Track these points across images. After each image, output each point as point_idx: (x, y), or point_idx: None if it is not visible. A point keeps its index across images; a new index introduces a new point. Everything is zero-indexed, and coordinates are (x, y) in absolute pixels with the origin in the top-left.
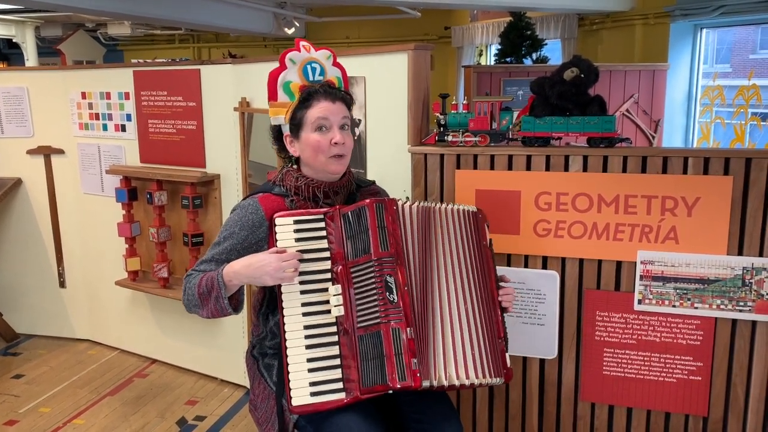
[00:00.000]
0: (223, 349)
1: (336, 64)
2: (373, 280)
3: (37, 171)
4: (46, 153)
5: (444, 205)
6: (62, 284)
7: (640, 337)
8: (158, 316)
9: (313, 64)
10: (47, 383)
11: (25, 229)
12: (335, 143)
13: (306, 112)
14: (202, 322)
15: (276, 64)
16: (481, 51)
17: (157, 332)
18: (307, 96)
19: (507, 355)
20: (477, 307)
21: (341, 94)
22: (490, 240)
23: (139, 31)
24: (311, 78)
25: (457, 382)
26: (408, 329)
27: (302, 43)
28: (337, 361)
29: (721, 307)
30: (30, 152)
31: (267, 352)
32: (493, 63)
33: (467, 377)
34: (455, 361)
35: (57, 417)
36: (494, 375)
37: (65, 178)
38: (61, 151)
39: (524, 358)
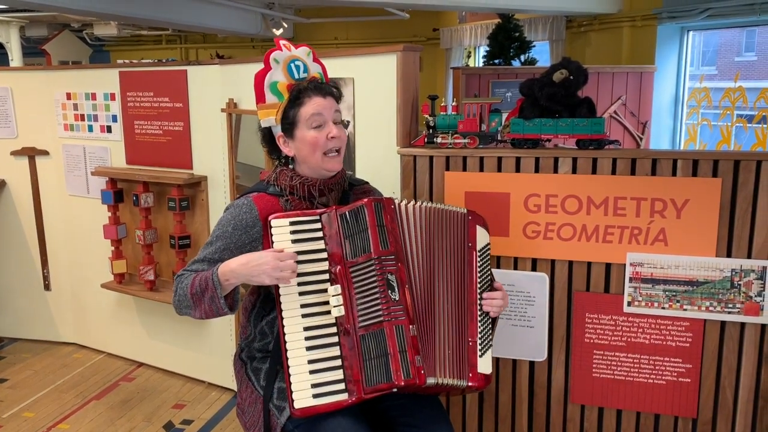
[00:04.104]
0: (210, 352)
1: (316, 60)
2: (374, 278)
3: (21, 172)
4: (31, 154)
5: (440, 206)
6: (47, 287)
7: (629, 339)
8: (145, 318)
9: (297, 62)
10: (31, 387)
11: (9, 231)
12: (332, 137)
13: (299, 110)
14: (190, 324)
15: (262, 65)
16: (470, 53)
17: (143, 335)
18: (298, 94)
19: (480, 359)
20: (452, 307)
21: (330, 89)
22: (487, 244)
23: (126, 31)
24: (296, 76)
25: (435, 381)
26: (411, 326)
27: (282, 42)
28: (338, 362)
29: (710, 308)
30: (14, 153)
31: (255, 355)
32: (481, 65)
33: (439, 375)
34: (435, 358)
35: (41, 422)
36: (456, 376)
37: (50, 180)
38: (45, 153)
39: (514, 361)
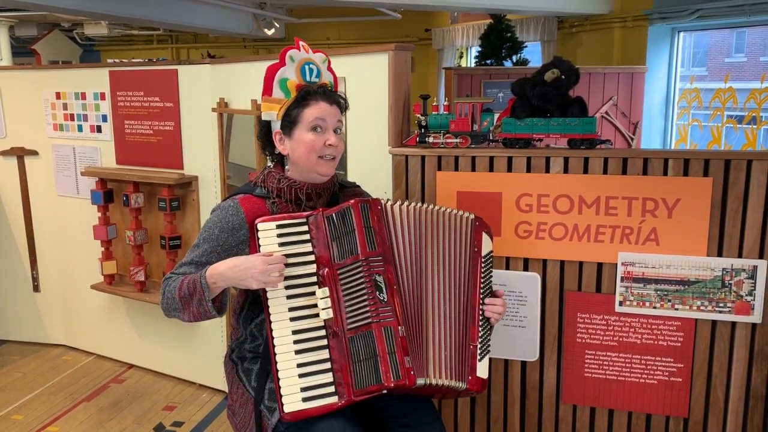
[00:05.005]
0: (201, 353)
1: (330, 69)
2: (362, 280)
3: (10, 173)
4: (20, 154)
5: (441, 208)
6: (36, 288)
7: (621, 339)
8: (135, 320)
9: (311, 65)
10: (20, 390)
11: None
12: (329, 145)
13: (303, 110)
14: (180, 326)
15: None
16: (462, 53)
17: (133, 337)
18: (305, 95)
19: (479, 364)
20: (453, 310)
21: (338, 98)
22: (491, 251)
23: (117, 31)
24: (308, 78)
25: (429, 381)
26: (400, 327)
27: (302, 42)
28: (328, 365)
29: (701, 308)
30: (2, 153)
31: (246, 356)
32: (473, 65)
33: (434, 376)
34: (428, 359)
35: (31, 424)
36: (456, 378)
37: (39, 180)
38: (34, 153)
39: (506, 361)
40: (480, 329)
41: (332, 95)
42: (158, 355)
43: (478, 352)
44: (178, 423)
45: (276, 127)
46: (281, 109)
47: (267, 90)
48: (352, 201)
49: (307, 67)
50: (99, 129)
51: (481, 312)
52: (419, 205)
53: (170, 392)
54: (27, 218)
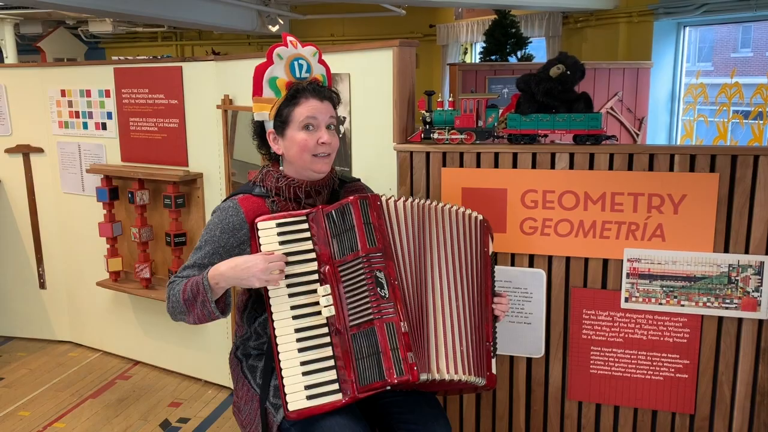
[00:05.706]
0: (206, 349)
1: (321, 62)
2: (363, 276)
3: (15, 170)
4: (25, 152)
5: (446, 206)
6: (42, 285)
7: (626, 336)
8: (140, 316)
9: (300, 61)
10: (27, 386)
11: (3, 230)
12: (322, 143)
13: (293, 109)
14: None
15: (258, 61)
16: (466, 49)
17: (139, 333)
18: (295, 93)
19: (493, 361)
20: (468, 307)
21: (329, 93)
22: (494, 253)
23: (121, 28)
24: (298, 75)
25: (437, 377)
26: (402, 323)
27: (289, 38)
28: (331, 362)
29: (708, 304)
30: (8, 151)
31: (251, 353)
32: (477, 61)
33: (448, 372)
34: (437, 355)
35: (37, 420)
36: (475, 374)
37: (45, 178)
38: (40, 150)
39: (511, 357)
40: (493, 328)
41: (323, 91)
42: (164, 351)
43: (492, 349)
44: (184, 419)
45: (269, 126)
46: (272, 109)
47: (257, 90)
48: (351, 198)
49: (296, 63)
50: (104, 126)
51: (492, 310)
52: (421, 201)
53: (176, 389)
54: (33, 216)
